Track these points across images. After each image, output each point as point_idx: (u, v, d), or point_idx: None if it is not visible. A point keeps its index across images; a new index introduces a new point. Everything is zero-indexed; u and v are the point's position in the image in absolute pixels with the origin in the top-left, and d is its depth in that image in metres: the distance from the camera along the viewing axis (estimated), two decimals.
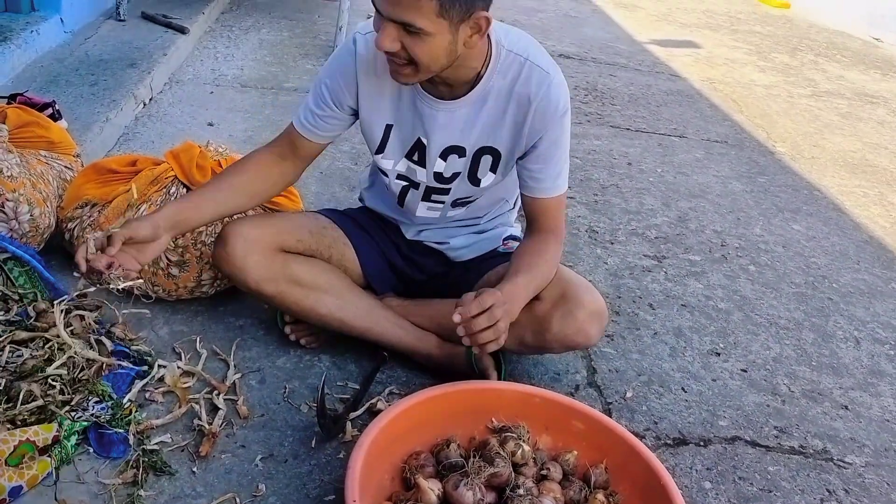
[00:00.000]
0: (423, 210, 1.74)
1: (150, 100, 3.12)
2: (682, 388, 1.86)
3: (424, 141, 1.59)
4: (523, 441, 1.42)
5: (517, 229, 1.90)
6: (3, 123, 1.88)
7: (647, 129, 3.68)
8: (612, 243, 2.52)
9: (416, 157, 1.63)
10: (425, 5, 1.25)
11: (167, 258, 1.82)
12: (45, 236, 1.84)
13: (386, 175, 1.69)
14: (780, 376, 1.97)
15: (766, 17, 7.54)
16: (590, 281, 1.66)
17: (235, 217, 1.73)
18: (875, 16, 7.51)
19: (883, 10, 7.48)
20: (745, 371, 1.97)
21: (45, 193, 1.85)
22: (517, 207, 1.90)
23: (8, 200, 1.72)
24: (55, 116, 2.28)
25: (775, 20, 7.46)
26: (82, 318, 1.63)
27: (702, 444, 1.69)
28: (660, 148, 3.45)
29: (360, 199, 1.96)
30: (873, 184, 3.44)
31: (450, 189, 1.67)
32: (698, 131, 3.77)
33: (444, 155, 1.60)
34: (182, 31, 3.75)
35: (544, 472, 1.40)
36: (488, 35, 1.45)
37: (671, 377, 1.89)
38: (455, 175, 1.64)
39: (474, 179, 1.64)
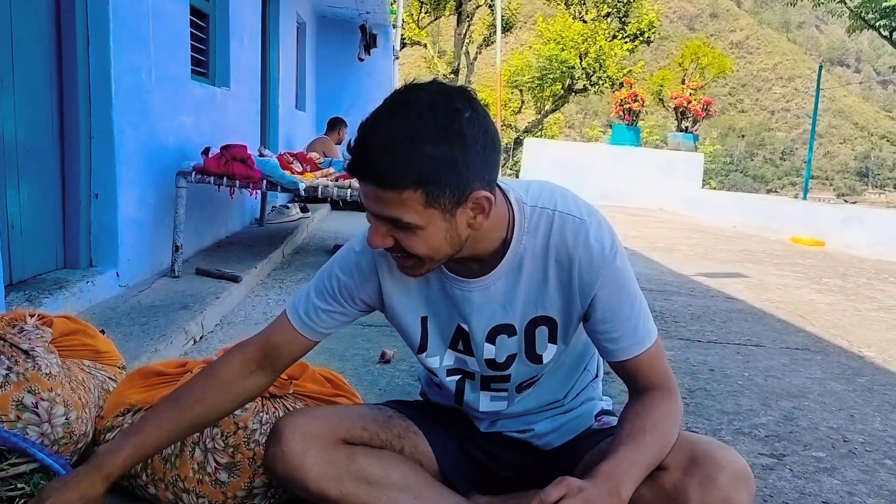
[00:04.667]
0: (486, 403, 1.48)
1: (201, 337, 3.03)
2: None
3: (465, 328, 1.38)
4: None
5: (609, 402, 1.62)
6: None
7: (719, 340, 3.45)
8: None
9: (461, 347, 1.42)
10: (409, 199, 1.12)
11: (216, 460, 1.56)
12: (79, 446, 1.61)
13: (435, 374, 1.47)
14: None
15: (804, 253, 7.59)
16: None
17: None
18: None
19: None
20: None
21: (84, 399, 1.66)
22: (601, 376, 1.64)
23: (43, 400, 1.53)
24: None
25: (814, 254, 7.49)
26: None
27: None
28: (739, 356, 3.20)
29: (422, 396, 1.73)
30: None
31: (509, 375, 1.42)
32: (774, 341, 3.52)
33: (490, 338, 1.38)
34: (235, 279, 3.78)
35: None
36: (506, 196, 1.30)
37: None
38: (511, 358, 1.40)
39: (534, 356, 1.40)
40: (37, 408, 1.52)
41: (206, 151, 4.12)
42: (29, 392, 1.53)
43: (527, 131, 21.94)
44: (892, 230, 8.03)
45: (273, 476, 1.49)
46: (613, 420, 1.55)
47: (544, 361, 1.40)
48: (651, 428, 1.26)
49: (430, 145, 1.09)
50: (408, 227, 1.15)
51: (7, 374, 1.54)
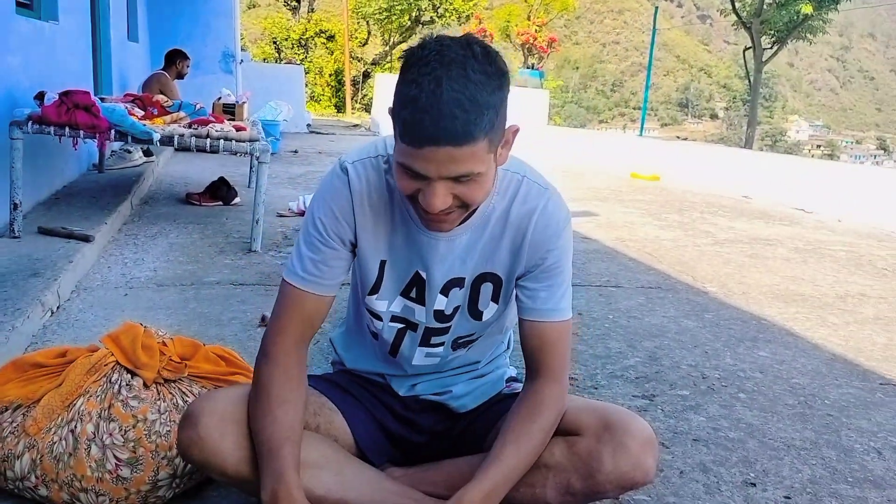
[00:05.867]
0: (420, 358, 1.52)
1: (58, 307, 2.80)
2: None
3: (423, 275, 1.41)
4: None
5: (514, 371, 1.71)
6: None
7: (581, 282, 3.65)
8: (595, 388, 2.34)
9: (413, 294, 1.44)
10: (479, 149, 1.13)
11: (116, 457, 1.48)
12: None
13: (379, 318, 1.48)
14: (826, 498, 1.78)
15: (643, 188, 8.11)
16: None
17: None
18: (739, 179, 8.26)
19: (747, 174, 8.26)
20: (789, 498, 1.77)
21: None
22: (510, 349, 1.73)
23: None
24: None
25: (652, 190, 8.03)
26: None
27: None
28: (602, 298, 3.41)
29: (335, 364, 1.72)
30: (809, 309, 3.51)
31: (450, 328, 1.47)
32: (630, 281, 3.78)
33: (445, 290, 1.42)
34: (86, 239, 3.50)
35: None
36: None
37: None
38: (455, 310, 1.45)
39: (475, 312, 1.46)
40: None
41: (39, 96, 3.72)
42: None
43: (374, 63, 21.54)
44: (718, 164, 8.76)
45: (188, 461, 1.43)
46: (519, 386, 1.62)
47: (484, 319, 1.46)
48: (531, 435, 1.34)
49: (487, 92, 1.11)
50: (474, 177, 1.16)
51: None
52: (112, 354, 1.62)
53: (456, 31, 18.14)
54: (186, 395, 1.63)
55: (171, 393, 1.62)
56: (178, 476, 1.54)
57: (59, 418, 1.52)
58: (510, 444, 1.33)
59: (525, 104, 13.14)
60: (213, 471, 1.38)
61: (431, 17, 19.68)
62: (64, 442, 1.49)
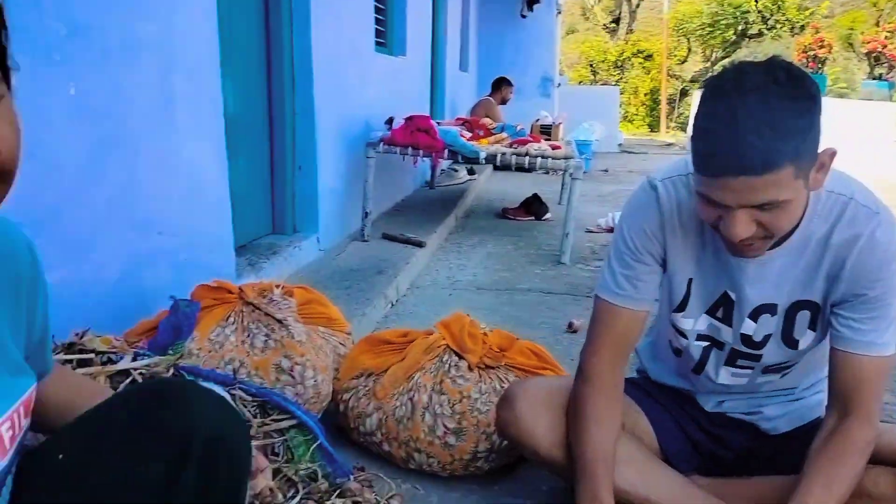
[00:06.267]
0: (725, 377, 1.49)
1: (397, 301, 3.25)
2: None
3: (732, 296, 1.39)
4: None
5: None
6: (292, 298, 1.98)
7: None
8: None
9: (720, 314, 1.42)
10: (784, 176, 1.08)
11: (444, 425, 1.72)
12: (324, 405, 1.83)
13: (685, 336, 1.48)
14: None
15: None
16: None
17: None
18: None
19: None
20: None
21: (325, 363, 1.87)
22: None
23: (297, 364, 1.75)
24: None
25: None
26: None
27: None
28: None
29: (640, 373, 1.75)
30: None
31: (760, 355, 1.43)
32: None
33: (754, 315, 1.38)
34: (420, 245, 3.99)
35: None
36: None
37: None
38: (766, 338, 1.40)
39: (790, 341, 1.40)
40: (292, 371, 1.74)
41: (389, 121, 4.32)
42: (285, 357, 1.75)
43: (693, 81, 20.92)
44: None
45: (504, 438, 1.62)
46: None
47: (800, 348, 1.40)
48: (842, 476, 1.27)
49: (792, 118, 1.07)
50: (778, 205, 1.13)
51: (266, 341, 1.77)
52: (444, 338, 1.89)
53: (787, 42, 16.89)
54: (503, 381, 1.83)
55: (490, 377, 1.83)
56: (494, 451, 1.74)
57: (401, 387, 1.81)
58: (819, 486, 1.27)
59: (868, 118, 11.75)
60: (526, 450, 1.53)
61: (759, 31, 18.52)
62: (404, 407, 1.77)
